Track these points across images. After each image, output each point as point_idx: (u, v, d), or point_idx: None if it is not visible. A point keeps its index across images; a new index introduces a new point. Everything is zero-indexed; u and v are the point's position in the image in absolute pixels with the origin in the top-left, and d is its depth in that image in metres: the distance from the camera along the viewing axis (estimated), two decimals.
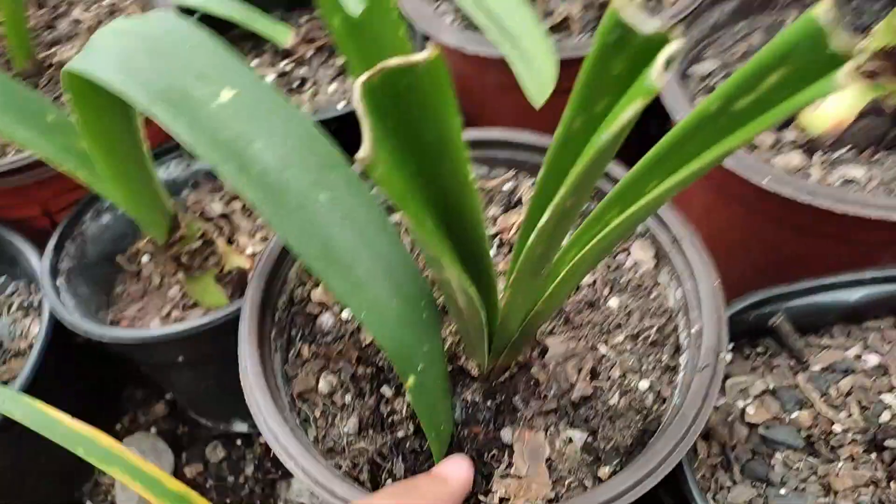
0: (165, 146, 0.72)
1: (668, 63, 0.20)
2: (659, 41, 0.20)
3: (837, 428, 0.48)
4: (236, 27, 0.89)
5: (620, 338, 0.47)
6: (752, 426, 0.49)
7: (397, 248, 0.39)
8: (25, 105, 0.52)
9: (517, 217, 0.54)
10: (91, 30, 0.76)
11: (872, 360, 0.52)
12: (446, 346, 0.45)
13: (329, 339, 0.49)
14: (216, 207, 0.70)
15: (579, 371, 0.45)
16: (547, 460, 0.42)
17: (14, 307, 0.68)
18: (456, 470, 0.38)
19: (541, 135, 0.55)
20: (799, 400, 0.50)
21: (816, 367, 0.52)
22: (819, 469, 0.47)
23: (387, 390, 0.47)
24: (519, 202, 0.56)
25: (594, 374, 0.46)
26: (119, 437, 0.82)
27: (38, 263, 0.65)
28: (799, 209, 0.51)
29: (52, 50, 0.76)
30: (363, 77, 0.20)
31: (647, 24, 0.20)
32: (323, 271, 0.34)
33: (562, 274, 0.32)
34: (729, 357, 0.53)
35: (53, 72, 0.73)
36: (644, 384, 0.45)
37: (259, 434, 0.82)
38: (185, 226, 0.58)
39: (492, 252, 0.53)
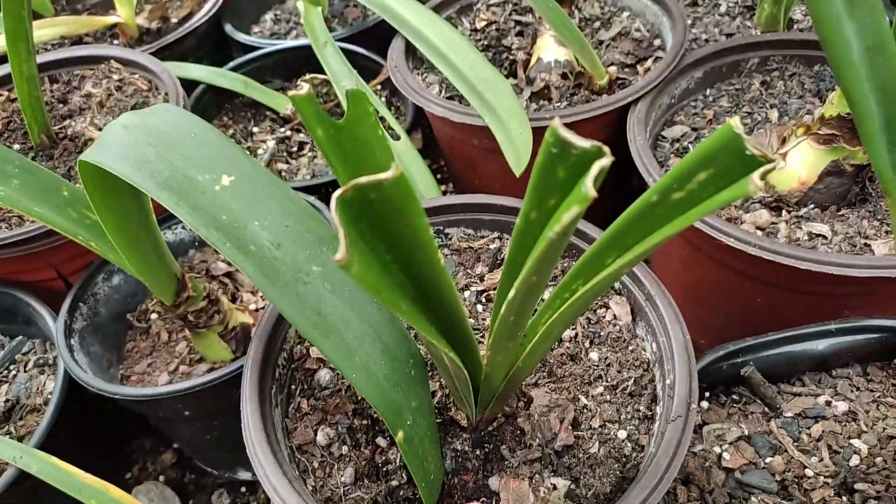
0: None
1: (599, 175, 0.23)
2: (593, 154, 0.23)
3: (809, 472, 0.50)
4: (239, 96, 0.94)
5: (600, 389, 0.50)
6: (729, 471, 0.51)
7: (384, 312, 0.42)
8: (43, 183, 0.56)
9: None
10: (101, 104, 0.81)
11: (842, 406, 0.54)
12: (436, 399, 0.49)
13: (327, 394, 0.52)
14: (221, 266, 0.75)
15: (562, 421, 0.48)
16: None
17: (30, 365, 0.71)
18: None
19: (520, 200, 0.58)
20: (772, 445, 0.52)
21: (789, 414, 0.54)
22: None
23: (381, 441, 0.49)
24: (503, 261, 0.59)
25: (576, 424, 0.48)
26: (129, 486, 0.85)
27: (53, 323, 0.68)
28: (765, 265, 0.55)
29: (66, 122, 0.82)
30: (338, 193, 0.23)
31: (582, 142, 0.24)
32: (316, 338, 0.37)
33: (538, 334, 0.35)
34: (705, 405, 0.55)
35: (67, 143, 0.78)
36: (622, 433, 0.48)
37: None
38: (191, 287, 0.61)
39: (479, 308, 0.57)
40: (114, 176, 0.40)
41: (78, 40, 1.03)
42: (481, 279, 0.59)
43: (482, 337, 0.53)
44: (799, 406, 0.55)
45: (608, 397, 0.50)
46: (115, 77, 0.84)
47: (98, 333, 0.70)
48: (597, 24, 0.85)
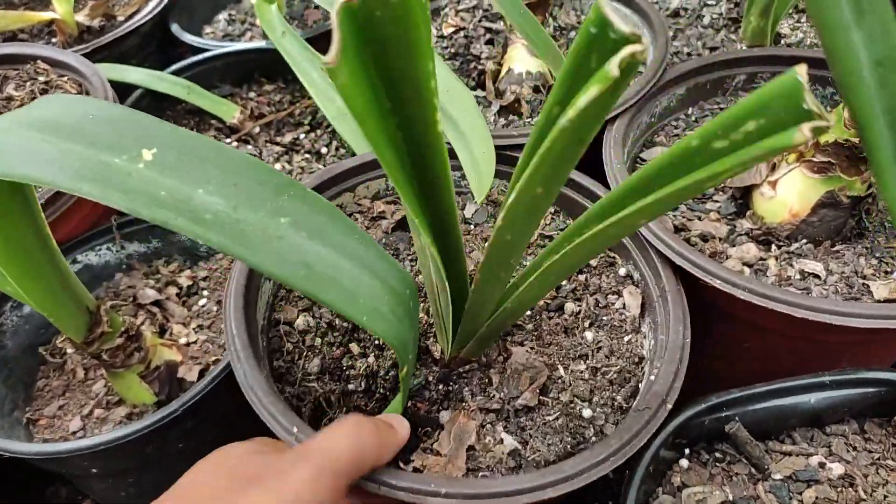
0: (96, 230, 0.69)
1: (627, 59, 0.23)
2: (633, 40, 0.23)
3: None
4: (181, 102, 0.86)
5: (582, 367, 0.53)
6: None
7: (372, 246, 0.43)
8: None
9: None
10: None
11: (837, 468, 0.53)
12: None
13: None
14: (149, 293, 0.68)
15: (531, 382, 0.51)
16: (470, 448, 0.48)
17: None
18: (402, 424, 0.45)
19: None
20: None
21: (778, 476, 0.53)
22: None
23: (354, 347, 0.55)
24: None
25: (544, 390, 0.51)
26: None
27: None
28: (754, 308, 0.53)
29: None
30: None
31: (624, 26, 0.23)
32: (312, 292, 0.38)
33: (535, 274, 0.37)
34: (685, 464, 0.54)
35: None
36: (587, 412, 0.50)
37: None
38: (107, 321, 0.54)
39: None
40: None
41: (11, 37, 0.95)
42: None
43: None
44: (789, 467, 0.53)
45: (586, 376, 0.53)
46: (42, 79, 0.81)
47: (3, 370, 0.62)
48: (572, 33, 0.84)
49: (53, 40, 1.02)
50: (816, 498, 0.50)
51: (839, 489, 0.51)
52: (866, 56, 0.32)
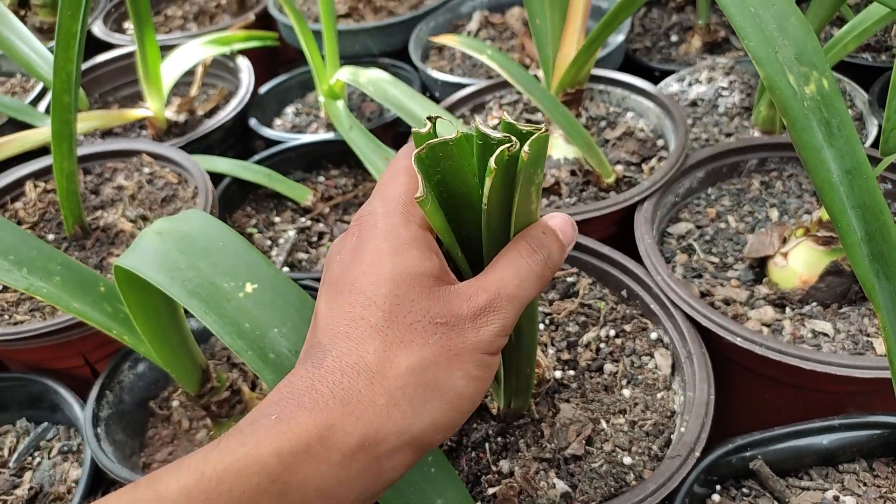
0: None
1: (505, 154, 0.31)
2: (502, 143, 0.31)
3: None
4: (261, 188, 0.99)
5: (621, 420, 0.62)
6: None
7: None
8: (82, 279, 0.62)
9: (570, 304, 0.72)
10: (133, 196, 0.92)
11: (850, 502, 0.58)
12: None
13: None
14: None
15: (578, 434, 0.59)
16: (526, 492, 0.56)
17: (55, 451, 0.76)
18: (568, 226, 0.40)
19: (601, 244, 0.74)
20: None
21: None
22: None
23: None
24: (575, 294, 0.74)
25: (589, 441, 0.60)
26: None
27: (80, 411, 0.77)
28: (771, 363, 0.62)
29: (98, 213, 0.95)
30: (416, 150, 0.32)
31: (494, 133, 0.32)
32: None
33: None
34: (717, 498, 0.61)
35: (99, 233, 0.90)
36: (628, 460, 0.59)
37: None
38: (216, 377, 0.65)
39: (541, 327, 0.71)
40: (145, 280, 0.47)
41: (108, 131, 1.09)
42: (550, 303, 0.73)
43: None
44: (808, 500, 0.59)
45: (625, 429, 0.61)
46: (146, 170, 0.93)
47: (122, 421, 0.76)
48: (603, 123, 0.94)
49: (144, 133, 1.15)
50: None
51: None
52: (837, 168, 0.39)
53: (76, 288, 0.61)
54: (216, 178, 1.00)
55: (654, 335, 0.69)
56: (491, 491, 0.57)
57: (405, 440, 0.31)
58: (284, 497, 0.28)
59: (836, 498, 0.60)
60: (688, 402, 0.61)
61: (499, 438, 0.60)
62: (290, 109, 1.26)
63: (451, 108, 1.01)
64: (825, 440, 0.61)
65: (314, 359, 0.32)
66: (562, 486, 0.56)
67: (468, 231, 0.38)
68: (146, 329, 0.57)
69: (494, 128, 0.32)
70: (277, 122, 1.24)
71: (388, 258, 0.34)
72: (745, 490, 0.63)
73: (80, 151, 0.96)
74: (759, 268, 0.76)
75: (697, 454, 0.56)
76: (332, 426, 0.30)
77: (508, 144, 0.31)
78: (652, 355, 0.68)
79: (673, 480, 0.54)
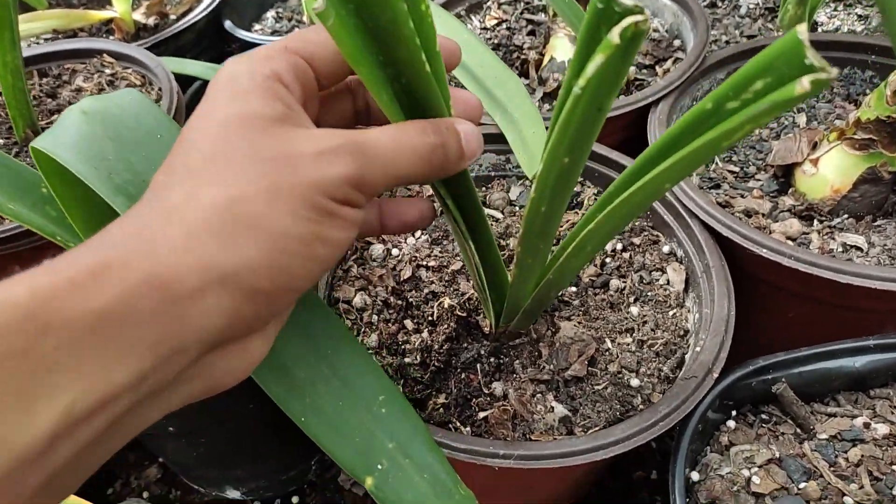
0: None
1: (630, 28, 0.25)
2: (631, 12, 0.26)
3: (849, 501, 0.50)
4: None
5: (628, 339, 0.55)
6: (759, 496, 0.51)
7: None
8: (20, 179, 0.56)
9: (574, 217, 0.65)
10: None
11: (882, 429, 0.54)
12: (465, 298, 0.57)
13: (374, 265, 0.62)
14: None
15: (580, 354, 0.53)
16: (521, 415, 0.50)
17: None
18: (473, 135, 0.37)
19: (609, 150, 0.66)
20: (806, 470, 0.52)
21: (823, 436, 0.54)
22: None
23: (409, 323, 0.57)
24: (579, 205, 0.67)
25: (592, 362, 0.54)
26: (110, 502, 0.85)
27: None
28: (801, 277, 0.55)
29: (54, 118, 0.86)
30: None
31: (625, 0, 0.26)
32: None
33: (573, 244, 0.39)
34: (732, 424, 0.56)
35: None
36: (635, 381, 0.52)
37: (252, 499, 0.81)
38: None
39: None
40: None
41: (72, 35, 1.02)
42: None
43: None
44: (834, 427, 0.54)
45: (633, 348, 0.55)
46: (108, 71, 0.85)
47: None
48: None
49: (111, 38, 1.05)
50: (862, 456, 0.51)
51: (884, 448, 0.52)
52: None
53: (12, 188, 0.54)
54: (186, 84, 0.92)
55: (666, 248, 0.62)
56: (482, 415, 0.50)
57: (212, 278, 0.27)
58: (43, 337, 0.23)
59: (867, 425, 0.54)
60: (704, 319, 0.54)
61: (491, 359, 0.54)
62: (270, 14, 1.17)
63: (446, 6, 0.91)
64: (857, 362, 0.55)
65: (123, 216, 0.29)
66: (561, 409, 0.50)
67: (408, 79, 0.32)
68: (86, 230, 0.49)
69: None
70: (256, 26, 1.14)
71: (222, 106, 0.31)
72: (763, 416, 0.56)
73: (35, 51, 0.88)
74: (785, 177, 0.68)
75: (716, 375, 0.49)
76: (109, 263, 0.26)
77: (638, 18, 0.25)
78: (663, 270, 0.60)
79: (688, 404, 0.47)
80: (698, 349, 0.52)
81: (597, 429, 0.49)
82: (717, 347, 0.51)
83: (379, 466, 0.38)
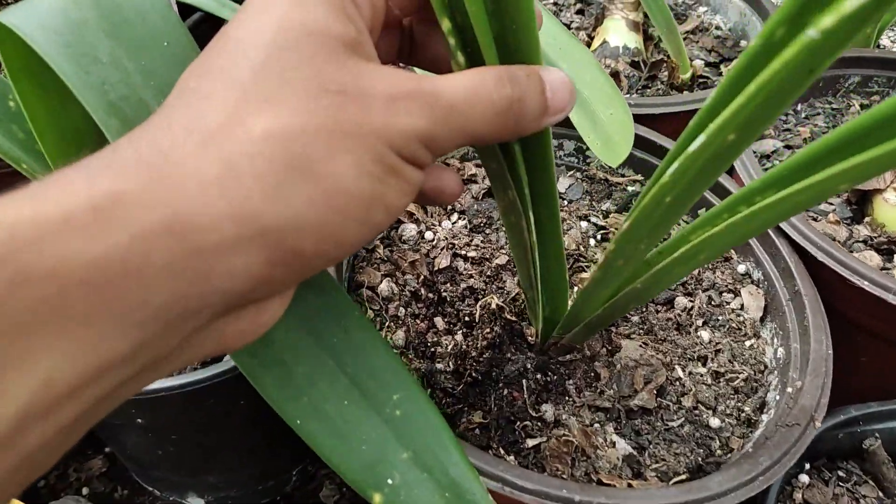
0: None
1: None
2: None
3: None
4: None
5: (703, 370, 0.48)
6: None
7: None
8: None
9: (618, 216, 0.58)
10: None
11: None
12: (510, 298, 0.49)
13: (406, 248, 0.52)
14: None
15: (647, 382, 0.45)
16: (577, 447, 0.42)
17: None
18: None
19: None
20: None
21: None
22: None
23: (440, 322, 0.48)
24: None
25: (661, 392, 0.46)
26: (42, 499, 0.72)
27: None
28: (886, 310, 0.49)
29: None
30: None
31: None
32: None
33: (679, 251, 0.32)
34: (805, 479, 0.50)
35: None
36: (715, 422, 0.45)
37: None
38: None
39: (592, 242, 0.55)
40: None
41: None
42: (605, 215, 0.57)
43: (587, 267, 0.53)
44: None
45: (709, 381, 0.47)
46: None
47: None
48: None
49: None
50: None
51: None
52: None
53: None
54: (185, 14, 0.82)
55: (741, 268, 0.54)
56: (531, 443, 0.42)
57: (249, 232, 0.21)
58: (19, 289, 0.18)
59: None
60: (793, 355, 0.46)
61: (538, 375, 0.45)
62: None
63: None
64: None
65: (146, 122, 0.23)
66: (623, 445, 0.42)
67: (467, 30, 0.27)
68: (56, 152, 0.39)
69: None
70: None
71: (282, 5, 0.24)
72: (841, 473, 0.50)
73: None
74: (858, 204, 0.61)
75: (818, 424, 0.41)
76: (119, 197, 0.20)
77: None
78: (736, 293, 0.52)
79: (791, 456, 0.39)
80: (790, 390, 0.44)
81: (681, 477, 0.41)
82: (818, 391, 0.43)
83: (389, 481, 0.30)
